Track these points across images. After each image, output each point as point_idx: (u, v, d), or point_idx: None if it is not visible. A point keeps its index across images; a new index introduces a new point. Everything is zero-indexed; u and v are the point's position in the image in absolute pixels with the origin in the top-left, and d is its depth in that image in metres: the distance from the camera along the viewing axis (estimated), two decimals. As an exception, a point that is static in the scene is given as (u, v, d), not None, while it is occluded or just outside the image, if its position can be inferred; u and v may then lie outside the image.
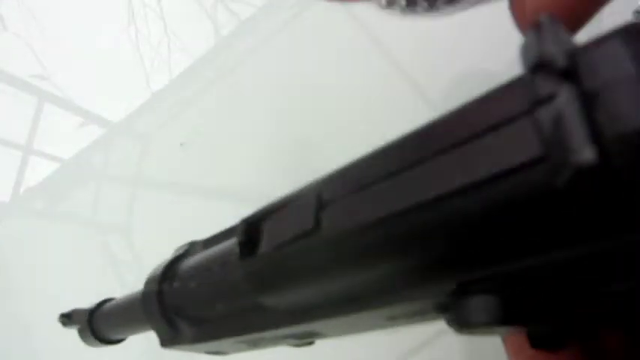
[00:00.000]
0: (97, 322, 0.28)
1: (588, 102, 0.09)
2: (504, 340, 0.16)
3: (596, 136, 0.09)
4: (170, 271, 0.23)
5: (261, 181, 0.55)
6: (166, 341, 0.23)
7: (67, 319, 0.29)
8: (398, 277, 0.13)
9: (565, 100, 0.09)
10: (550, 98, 0.09)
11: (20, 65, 0.75)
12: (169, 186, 0.62)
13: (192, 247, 0.24)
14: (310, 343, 0.22)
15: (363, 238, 0.13)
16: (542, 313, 0.12)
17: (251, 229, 0.17)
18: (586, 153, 0.08)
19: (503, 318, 0.12)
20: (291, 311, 0.17)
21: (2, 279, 0.70)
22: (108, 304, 0.28)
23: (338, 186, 0.14)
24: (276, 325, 0.18)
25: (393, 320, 0.16)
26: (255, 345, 0.21)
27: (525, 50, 0.10)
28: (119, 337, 0.28)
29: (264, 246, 0.16)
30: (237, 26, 0.63)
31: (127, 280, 0.61)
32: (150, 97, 0.67)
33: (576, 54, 0.10)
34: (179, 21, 0.67)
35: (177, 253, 0.24)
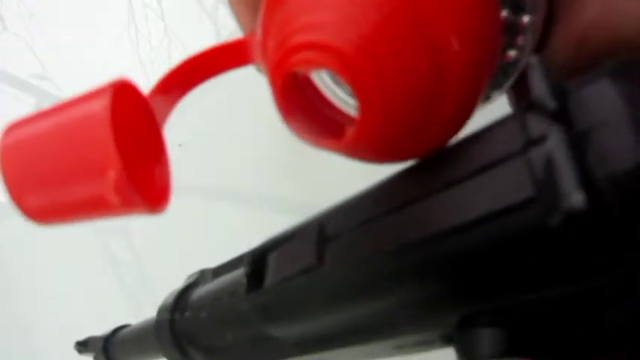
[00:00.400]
0: (112, 350, 0.28)
1: (579, 143, 0.09)
2: None
3: (586, 177, 0.09)
4: (181, 300, 0.23)
5: (261, 181, 0.55)
6: None
7: (82, 347, 0.29)
8: (400, 312, 0.14)
9: (555, 142, 0.09)
10: (542, 139, 0.10)
11: (20, 65, 0.75)
12: (169, 186, 0.61)
13: (202, 276, 0.25)
14: None
15: (365, 274, 0.13)
16: (546, 344, 0.12)
17: (257, 261, 0.17)
18: (575, 197, 0.09)
19: (507, 350, 0.12)
20: (299, 342, 0.17)
21: (2, 279, 0.70)
22: (122, 332, 0.28)
23: (340, 221, 0.15)
24: (285, 355, 0.18)
25: (400, 349, 0.16)
26: None
27: (513, 93, 0.11)
28: None
29: (270, 279, 0.17)
30: (237, 27, 0.63)
31: (126, 280, 0.61)
32: (150, 97, 0.67)
33: (566, 94, 0.10)
34: (179, 21, 0.67)
35: (188, 282, 0.25)
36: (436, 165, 0.12)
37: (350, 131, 0.12)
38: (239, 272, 0.20)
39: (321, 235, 0.15)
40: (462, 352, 0.13)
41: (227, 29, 0.63)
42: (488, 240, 0.11)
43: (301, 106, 0.14)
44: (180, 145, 0.61)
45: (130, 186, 0.13)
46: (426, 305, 0.13)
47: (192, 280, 0.25)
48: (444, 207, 0.12)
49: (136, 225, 0.63)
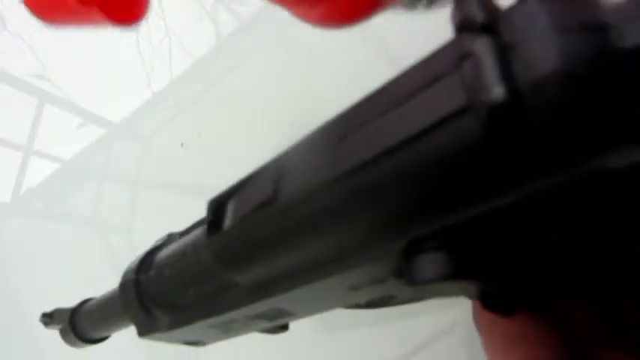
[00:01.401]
0: (79, 321, 0.28)
1: (505, 53, 0.10)
2: (476, 320, 0.17)
3: (510, 82, 0.09)
4: (147, 261, 0.24)
5: (261, 182, 0.55)
6: (144, 331, 0.24)
7: (48, 318, 0.29)
8: (350, 239, 0.14)
9: (481, 48, 0.10)
10: (471, 52, 0.10)
11: (20, 65, 0.75)
12: (169, 186, 0.62)
13: (169, 238, 0.25)
14: (283, 329, 0.23)
15: (314, 202, 0.14)
16: (488, 266, 0.13)
17: (217, 209, 0.17)
18: (495, 90, 0.09)
19: (451, 273, 0.12)
20: (256, 287, 0.17)
21: (2, 279, 0.70)
22: (89, 302, 0.28)
23: (291, 157, 0.15)
24: (243, 302, 0.18)
25: (356, 290, 0.16)
26: (228, 330, 0.22)
27: (453, 15, 0.11)
28: (101, 334, 0.29)
29: (228, 221, 0.17)
30: (237, 26, 0.63)
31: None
32: (150, 97, 0.67)
33: (497, 13, 0.10)
34: (180, 21, 0.67)
35: (155, 245, 0.25)
36: (379, 94, 0.13)
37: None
38: (203, 227, 0.20)
39: (278, 171, 0.15)
40: (409, 279, 0.13)
41: (227, 29, 0.63)
42: (428, 155, 0.11)
43: None
44: (182, 145, 0.61)
45: None
46: (373, 231, 0.13)
47: (159, 243, 0.25)
48: (386, 128, 0.12)
49: (137, 224, 0.63)
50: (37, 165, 0.75)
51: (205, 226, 0.18)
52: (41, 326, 0.30)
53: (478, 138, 0.10)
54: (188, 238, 0.22)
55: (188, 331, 0.22)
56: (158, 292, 0.22)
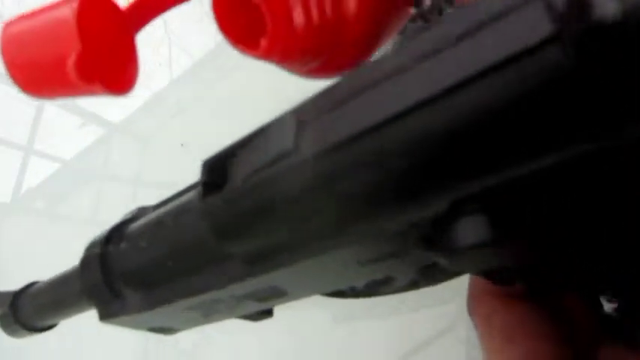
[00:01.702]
0: (22, 306, 0.24)
1: None
2: (472, 310, 0.16)
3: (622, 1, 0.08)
4: (117, 232, 0.21)
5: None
6: (108, 313, 0.21)
7: None
8: (386, 197, 0.12)
9: None
10: None
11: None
12: (169, 186, 0.61)
13: (141, 211, 0.22)
14: (267, 314, 0.21)
15: (347, 153, 0.12)
16: (527, 234, 0.12)
17: (215, 168, 0.16)
18: (609, 6, 0.08)
19: (493, 238, 0.11)
20: (255, 259, 0.16)
21: (2, 279, 0.70)
22: (36, 284, 0.25)
23: (317, 106, 0.13)
24: (237, 278, 0.16)
25: (364, 266, 0.15)
26: (209, 313, 0.20)
27: None
28: (48, 321, 0.25)
29: (233, 180, 0.15)
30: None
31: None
32: (150, 97, 0.67)
33: None
34: (180, 21, 0.67)
35: (126, 217, 0.22)
36: (439, 25, 0.11)
37: (263, 42, 0.15)
38: (189, 194, 0.19)
39: (299, 123, 0.13)
40: (446, 245, 0.12)
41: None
42: (497, 94, 0.10)
43: (236, 12, 0.17)
44: (182, 145, 0.61)
45: (88, 68, 0.17)
46: (414, 187, 0.12)
47: (129, 215, 0.22)
48: (443, 65, 0.10)
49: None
50: (37, 165, 0.75)
51: (198, 190, 0.16)
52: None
53: (566, 71, 0.08)
54: (169, 207, 0.19)
55: (162, 314, 0.20)
56: (130, 266, 0.20)
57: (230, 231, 0.15)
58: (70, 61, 0.17)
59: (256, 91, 0.61)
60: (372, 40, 0.18)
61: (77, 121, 0.72)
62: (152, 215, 0.20)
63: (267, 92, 0.65)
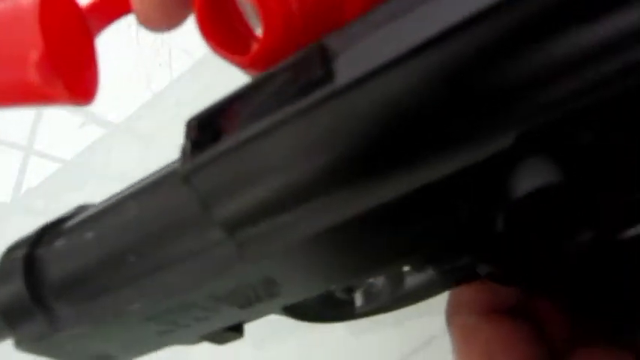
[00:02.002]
0: None
1: None
2: (451, 322, 0.16)
3: None
4: (51, 231, 0.17)
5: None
6: (29, 336, 0.16)
7: None
8: (441, 125, 0.10)
9: None
10: None
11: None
12: (170, 186, 0.61)
13: (81, 209, 0.18)
14: (236, 332, 0.17)
15: (399, 76, 0.10)
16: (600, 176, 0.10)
17: (205, 125, 0.13)
18: None
19: (562, 182, 0.09)
20: (250, 235, 0.12)
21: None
22: None
23: (349, 35, 0.11)
24: (224, 264, 0.13)
25: (389, 246, 0.12)
26: (169, 328, 0.15)
27: None
28: None
29: (230, 132, 0.12)
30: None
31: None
32: (151, 97, 0.67)
33: None
34: (179, 21, 0.67)
35: (60, 216, 0.18)
36: None
37: (254, 48, 0.13)
38: (156, 175, 0.15)
39: (322, 53, 0.11)
40: (509, 190, 0.10)
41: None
42: None
43: (220, 20, 0.15)
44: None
45: (50, 67, 0.15)
46: (478, 111, 0.10)
47: (65, 215, 0.18)
48: None
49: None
50: (37, 165, 0.74)
51: (179, 159, 0.13)
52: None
53: None
54: (129, 192, 0.16)
55: (104, 333, 0.15)
56: (70, 270, 0.15)
57: (223, 194, 0.12)
58: (31, 59, 0.15)
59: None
60: None
61: (77, 121, 0.72)
62: (103, 204, 0.16)
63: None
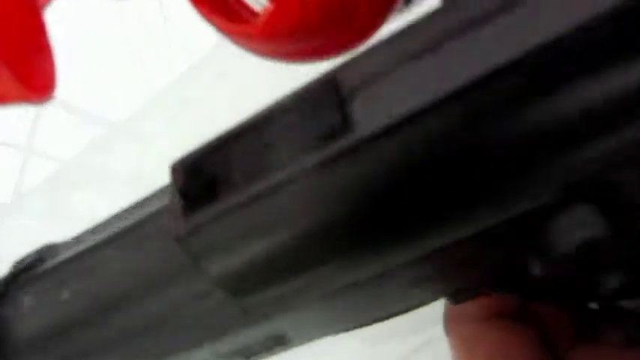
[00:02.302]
0: None
1: None
2: (450, 330, 0.15)
3: None
4: (17, 283, 0.15)
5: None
6: None
7: None
8: (481, 182, 0.09)
9: None
10: None
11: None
12: (170, 186, 0.61)
13: (49, 250, 0.16)
14: None
15: (426, 125, 0.09)
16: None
17: (194, 172, 0.11)
18: None
19: (610, 233, 0.09)
20: (260, 300, 0.11)
21: (3, 279, 0.70)
22: None
23: (369, 66, 0.10)
24: (225, 326, 0.11)
25: (417, 286, 0.11)
26: None
27: None
28: None
29: (234, 177, 0.10)
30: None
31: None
32: (150, 97, 0.67)
33: None
34: (180, 20, 0.67)
35: (24, 263, 0.15)
36: None
37: (263, 16, 0.12)
38: (139, 212, 0.13)
39: (337, 92, 0.10)
40: (555, 241, 0.09)
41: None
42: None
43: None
44: (182, 145, 0.61)
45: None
46: (523, 166, 0.09)
47: (29, 260, 0.15)
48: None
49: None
50: (37, 165, 0.74)
51: (165, 203, 0.11)
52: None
53: None
54: (101, 239, 0.14)
55: None
56: (41, 333, 0.13)
57: (225, 257, 0.11)
58: None
59: (256, 91, 0.61)
60: (385, 9, 0.15)
61: (77, 121, 0.72)
62: (74, 250, 0.14)
63: (267, 92, 0.64)
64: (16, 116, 0.76)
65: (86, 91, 0.75)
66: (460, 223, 0.10)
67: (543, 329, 0.14)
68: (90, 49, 0.73)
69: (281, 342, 0.13)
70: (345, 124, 0.09)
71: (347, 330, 0.14)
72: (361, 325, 0.13)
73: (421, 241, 0.10)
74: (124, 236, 0.13)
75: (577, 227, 0.09)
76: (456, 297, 0.13)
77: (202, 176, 0.11)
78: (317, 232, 0.10)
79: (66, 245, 0.16)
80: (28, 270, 0.15)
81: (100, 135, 0.70)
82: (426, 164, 0.09)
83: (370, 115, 0.09)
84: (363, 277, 0.10)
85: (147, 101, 0.67)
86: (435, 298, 0.13)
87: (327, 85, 0.10)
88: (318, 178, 0.10)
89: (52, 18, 0.81)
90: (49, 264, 0.14)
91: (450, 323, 0.15)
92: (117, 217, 0.15)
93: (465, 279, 0.11)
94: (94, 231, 0.15)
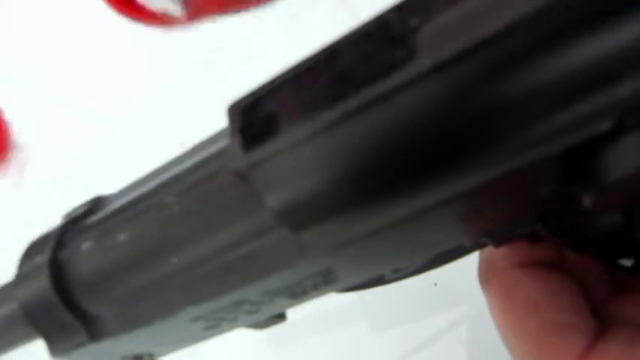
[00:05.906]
0: None
1: None
2: (487, 280, 0.15)
3: None
4: (73, 231, 0.15)
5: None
6: (66, 345, 0.14)
7: None
8: (540, 104, 0.09)
9: None
10: None
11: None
12: (170, 186, 0.61)
13: (101, 201, 0.16)
14: (280, 319, 0.16)
15: (489, 53, 0.09)
16: None
17: (254, 110, 0.11)
18: None
19: None
20: (321, 232, 0.11)
21: (2, 280, 0.70)
22: None
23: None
24: (285, 261, 0.11)
25: (462, 221, 0.11)
26: (217, 323, 0.14)
27: None
28: None
29: (296, 114, 0.10)
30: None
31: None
32: (150, 96, 0.67)
33: None
34: (180, 21, 0.67)
35: (77, 212, 0.15)
36: None
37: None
38: (197, 156, 0.13)
39: (406, 23, 0.10)
40: (605, 171, 0.09)
41: (227, 29, 0.63)
42: None
43: None
44: (181, 145, 0.61)
45: None
46: (582, 91, 0.09)
47: (82, 209, 0.15)
48: None
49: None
50: (37, 165, 0.74)
51: (234, 135, 0.11)
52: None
53: None
54: (154, 186, 0.14)
55: (148, 333, 0.14)
56: (103, 273, 0.14)
57: (286, 192, 0.11)
58: None
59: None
60: None
61: (77, 120, 0.72)
62: (128, 197, 0.15)
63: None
64: (16, 116, 0.76)
65: (86, 90, 0.75)
66: (517, 154, 0.10)
67: (580, 280, 0.14)
68: (90, 49, 0.73)
69: (329, 279, 0.13)
70: (410, 54, 0.09)
71: (387, 268, 0.14)
72: (401, 263, 0.14)
73: (480, 169, 0.10)
74: (182, 179, 0.14)
75: (632, 152, 0.09)
76: (496, 237, 0.13)
77: (260, 112, 0.11)
78: (376, 164, 0.10)
79: (117, 195, 0.16)
80: (82, 219, 0.15)
81: (100, 134, 0.70)
82: (490, 92, 0.09)
83: (435, 45, 0.09)
84: (415, 211, 0.10)
85: (146, 100, 0.67)
86: (477, 238, 0.13)
87: (386, 20, 0.10)
88: (381, 109, 0.09)
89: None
90: (104, 212, 0.15)
91: (489, 270, 0.15)
92: (166, 166, 0.15)
93: (509, 216, 0.11)
94: (144, 180, 0.15)
